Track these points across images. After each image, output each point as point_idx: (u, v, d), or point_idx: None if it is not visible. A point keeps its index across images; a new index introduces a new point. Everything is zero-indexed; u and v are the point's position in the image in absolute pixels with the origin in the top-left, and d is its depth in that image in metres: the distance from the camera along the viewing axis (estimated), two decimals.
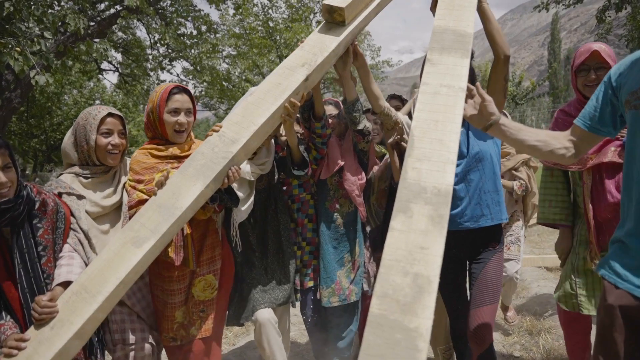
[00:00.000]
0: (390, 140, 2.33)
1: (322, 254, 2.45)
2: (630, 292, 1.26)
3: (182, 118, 1.92)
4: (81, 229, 1.77)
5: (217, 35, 12.26)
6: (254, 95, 1.66)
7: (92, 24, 8.78)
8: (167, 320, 1.95)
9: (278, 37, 14.67)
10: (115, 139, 1.88)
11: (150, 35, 10.82)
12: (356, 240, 2.52)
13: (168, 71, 12.53)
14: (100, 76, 13.67)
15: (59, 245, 1.69)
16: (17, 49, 4.65)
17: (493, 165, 2.09)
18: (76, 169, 1.88)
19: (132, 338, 1.92)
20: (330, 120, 2.52)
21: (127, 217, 1.84)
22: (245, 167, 2.11)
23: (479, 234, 2.07)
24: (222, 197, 1.83)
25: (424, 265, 1.03)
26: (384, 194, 2.62)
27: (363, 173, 2.48)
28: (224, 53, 13.92)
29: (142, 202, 1.77)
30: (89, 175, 1.87)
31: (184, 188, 1.57)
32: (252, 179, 2.17)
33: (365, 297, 2.64)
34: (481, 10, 1.90)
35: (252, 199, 2.17)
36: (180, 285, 1.96)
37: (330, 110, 2.53)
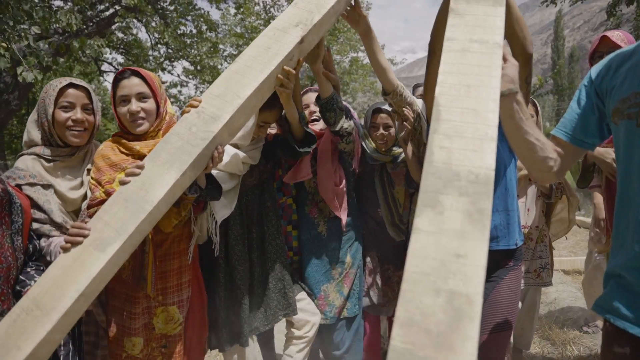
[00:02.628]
0: (403, 133, 2.02)
1: (303, 265, 2.15)
2: None
3: (132, 106, 1.61)
4: (55, 223, 1.51)
5: (219, 35, 12.02)
6: (239, 62, 1.36)
7: (90, 24, 8.59)
8: (114, 343, 1.63)
9: None
10: (77, 114, 1.60)
11: (150, 36, 10.61)
12: (346, 249, 2.18)
13: (169, 72, 12.30)
14: (101, 78, 13.47)
15: (18, 243, 1.42)
16: (3, 44, 4.46)
17: (506, 181, 1.75)
18: (37, 149, 1.61)
19: None
20: (316, 110, 2.17)
21: (86, 216, 1.56)
22: (234, 157, 1.81)
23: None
24: (201, 190, 1.54)
25: (462, 279, 0.75)
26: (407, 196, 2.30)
27: (343, 176, 2.13)
28: (225, 53, 13.67)
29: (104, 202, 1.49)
30: (50, 158, 1.60)
31: (156, 177, 1.28)
32: (242, 172, 1.87)
33: (368, 315, 2.32)
34: None
35: (236, 195, 1.87)
36: (133, 308, 1.63)
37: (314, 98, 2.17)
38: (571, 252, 6.23)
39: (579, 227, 6.71)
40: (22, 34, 4.74)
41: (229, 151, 1.80)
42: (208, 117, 1.31)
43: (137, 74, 1.65)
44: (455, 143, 0.91)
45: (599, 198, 2.27)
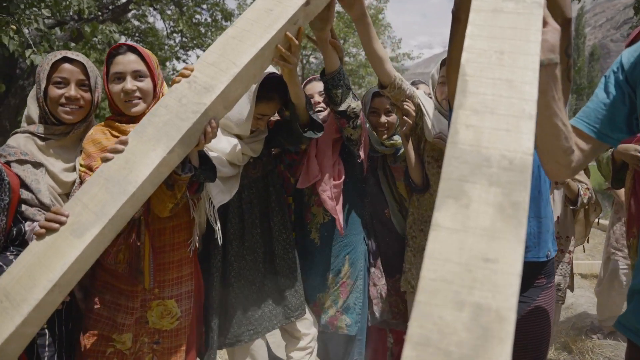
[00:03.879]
0: (404, 128, 1.85)
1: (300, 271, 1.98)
2: None
3: (128, 84, 1.48)
4: (43, 204, 1.42)
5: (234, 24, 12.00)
6: (237, 26, 1.20)
7: (106, 11, 8.56)
8: (98, 339, 1.50)
9: None
10: (70, 91, 1.49)
11: (165, 24, 10.58)
12: (344, 256, 1.98)
13: (183, 61, 12.30)
14: None
15: (2, 223, 1.32)
16: (13, 27, 4.40)
17: (539, 182, 1.53)
18: (32, 127, 1.52)
19: None
20: (320, 100, 2.01)
21: None
22: (233, 148, 1.66)
23: None
24: (195, 169, 1.40)
25: (491, 290, 0.59)
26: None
27: (342, 171, 1.90)
28: None
29: None
30: (43, 136, 1.50)
31: (140, 154, 1.15)
32: (243, 162, 1.72)
33: (373, 330, 2.12)
34: None
35: (237, 183, 1.72)
36: (130, 303, 1.52)
37: (321, 87, 1.97)
38: (589, 255, 6.00)
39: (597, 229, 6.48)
40: (33, 16, 4.68)
41: (230, 140, 1.67)
42: (200, 88, 1.15)
43: (134, 50, 1.52)
44: (485, 121, 0.74)
45: (622, 190, 2.23)
